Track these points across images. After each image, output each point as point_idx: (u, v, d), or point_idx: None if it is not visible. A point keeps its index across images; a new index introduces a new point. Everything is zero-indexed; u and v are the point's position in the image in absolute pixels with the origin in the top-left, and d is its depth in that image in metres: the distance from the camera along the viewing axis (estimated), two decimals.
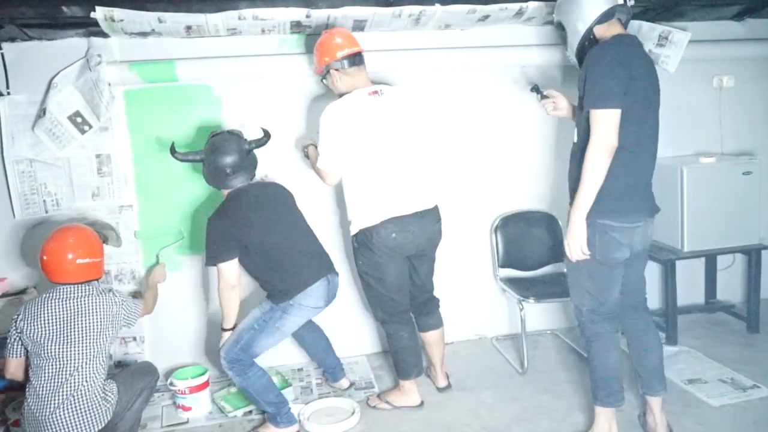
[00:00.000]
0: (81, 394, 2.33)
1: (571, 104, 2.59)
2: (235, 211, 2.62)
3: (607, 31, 2.31)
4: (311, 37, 3.05)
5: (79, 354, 2.35)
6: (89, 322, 2.38)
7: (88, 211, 3.03)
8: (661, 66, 3.19)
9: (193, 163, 2.89)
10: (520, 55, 3.29)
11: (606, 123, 2.17)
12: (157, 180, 3.13)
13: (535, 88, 2.69)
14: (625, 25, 2.41)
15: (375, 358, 3.45)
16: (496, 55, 3.27)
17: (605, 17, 2.29)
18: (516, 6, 2.93)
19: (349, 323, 3.40)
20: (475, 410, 2.85)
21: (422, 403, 2.89)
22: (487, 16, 3.03)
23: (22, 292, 2.97)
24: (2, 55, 2.89)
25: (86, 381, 2.35)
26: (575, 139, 2.37)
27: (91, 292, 2.43)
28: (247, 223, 2.59)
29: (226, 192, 2.71)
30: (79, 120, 2.92)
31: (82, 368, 2.35)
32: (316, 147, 2.78)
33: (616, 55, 2.21)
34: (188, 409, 2.93)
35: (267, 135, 2.79)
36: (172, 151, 2.72)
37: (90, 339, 2.38)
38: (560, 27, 2.47)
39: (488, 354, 3.43)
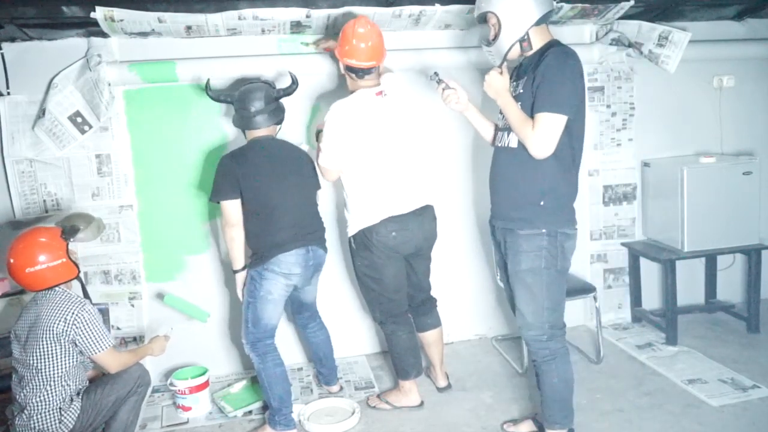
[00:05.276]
0: (34, 404, 2.28)
1: (469, 101, 2.47)
2: (244, 156, 2.68)
3: (541, 34, 2.25)
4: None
5: (34, 364, 2.30)
6: (39, 334, 2.30)
7: (88, 211, 3.03)
8: (661, 66, 3.20)
9: (193, 161, 2.92)
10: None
11: (556, 127, 2.14)
12: (157, 180, 3.13)
13: (435, 77, 2.47)
14: None
15: (375, 358, 3.45)
16: None
17: (544, 19, 2.23)
18: None
19: (348, 323, 3.40)
20: (475, 410, 2.85)
21: (422, 403, 2.89)
22: None
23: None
24: (2, 55, 2.89)
25: (39, 394, 2.28)
26: (509, 144, 2.32)
27: (52, 299, 2.34)
28: (249, 170, 2.64)
29: (250, 137, 2.75)
30: (79, 120, 2.93)
31: (37, 378, 2.29)
32: None
33: (578, 66, 2.18)
34: (188, 409, 2.93)
35: (295, 82, 2.83)
36: (207, 88, 2.79)
37: (39, 353, 2.29)
38: (483, 20, 2.33)
39: (488, 354, 3.43)
